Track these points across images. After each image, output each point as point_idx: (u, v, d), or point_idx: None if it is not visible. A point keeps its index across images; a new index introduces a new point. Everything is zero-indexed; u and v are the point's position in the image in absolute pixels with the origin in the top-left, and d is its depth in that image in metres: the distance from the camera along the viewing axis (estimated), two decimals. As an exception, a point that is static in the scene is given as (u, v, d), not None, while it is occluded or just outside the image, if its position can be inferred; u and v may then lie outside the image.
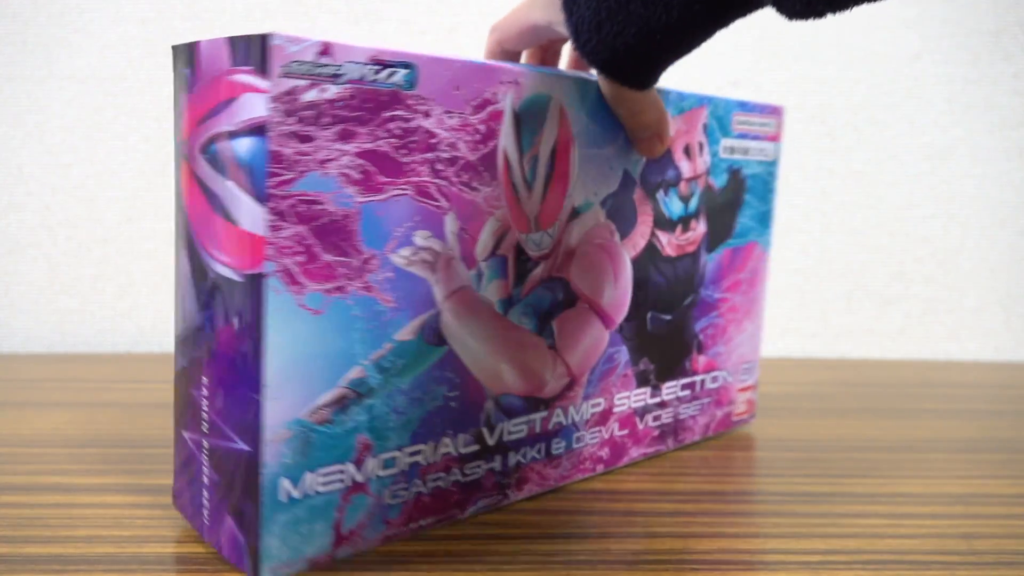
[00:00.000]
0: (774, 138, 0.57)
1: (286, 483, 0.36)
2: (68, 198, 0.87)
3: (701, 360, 0.55)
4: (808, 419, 0.64)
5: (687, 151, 0.51)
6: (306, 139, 0.34)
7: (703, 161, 0.52)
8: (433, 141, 0.38)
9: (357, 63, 0.35)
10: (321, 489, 0.38)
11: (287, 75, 0.33)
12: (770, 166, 0.57)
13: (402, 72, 0.36)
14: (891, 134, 0.86)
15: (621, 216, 0.48)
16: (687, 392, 0.55)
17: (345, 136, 0.35)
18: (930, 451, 0.57)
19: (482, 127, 0.40)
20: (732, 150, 0.54)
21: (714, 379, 0.57)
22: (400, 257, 0.38)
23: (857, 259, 0.88)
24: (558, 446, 0.48)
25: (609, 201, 0.47)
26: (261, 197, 0.34)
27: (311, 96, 0.34)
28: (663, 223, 0.51)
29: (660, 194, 0.50)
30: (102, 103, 0.86)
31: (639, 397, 0.52)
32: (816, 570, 0.40)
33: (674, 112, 0.50)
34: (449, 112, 0.38)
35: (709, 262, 0.54)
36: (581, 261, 0.47)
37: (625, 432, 0.52)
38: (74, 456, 0.54)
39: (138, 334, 0.89)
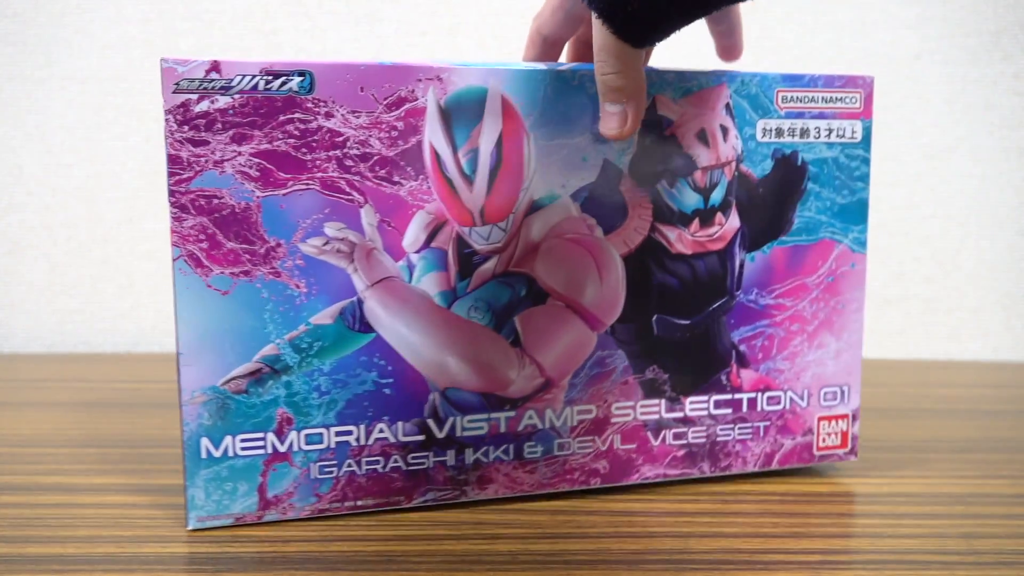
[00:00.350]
0: (858, 115, 0.49)
1: (206, 442, 0.42)
2: (68, 198, 0.87)
3: (745, 375, 0.49)
4: (808, 419, 0.64)
5: (703, 136, 0.46)
6: (201, 143, 0.40)
7: (730, 147, 0.47)
8: (339, 139, 0.42)
9: (248, 75, 0.40)
10: (242, 453, 0.43)
11: (178, 91, 0.40)
12: (853, 148, 0.49)
13: (296, 79, 0.41)
14: (891, 134, 0.86)
15: (603, 209, 0.46)
16: (726, 411, 0.49)
17: (239, 139, 0.41)
18: (930, 451, 0.57)
19: (399, 124, 0.42)
20: (779, 132, 0.48)
21: (772, 400, 0.50)
22: (310, 246, 0.42)
23: (857, 259, 0.88)
24: (532, 450, 0.47)
25: (584, 193, 0.45)
26: (168, 193, 0.41)
27: (203, 107, 0.40)
28: (670, 217, 0.47)
29: (663, 185, 0.46)
30: (102, 103, 0.86)
31: (649, 409, 0.48)
32: (816, 570, 0.40)
33: (676, 95, 0.46)
34: (355, 112, 0.42)
35: (750, 262, 0.48)
36: (549, 256, 0.45)
37: (631, 447, 0.48)
38: (74, 456, 0.54)
39: (138, 334, 0.89)
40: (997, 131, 0.86)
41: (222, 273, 0.41)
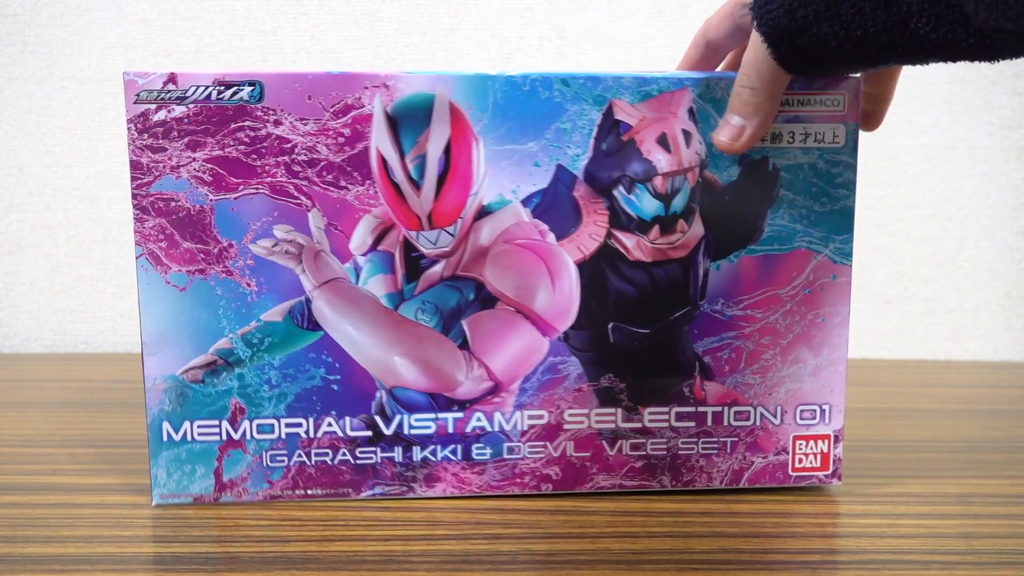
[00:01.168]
0: (842, 118, 0.46)
1: (167, 426, 0.46)
2: (69, 198, 0.87)
3: (710, 388, 0.48)
4: (808, 419, 0.64)
5: (663, 141, 0.45)
6: (159, 150, 0.44)
7: (693, 152, 0.45)
8: (287, 146, 0.44)
9: (202, 86, 0.43)
10: (199, 438, 0.46)
11: (138, 101, 0.43)
12: (835, 153, 0.46)
13: (247, 89, 0.43)
14: (891, 134, 0.86)
15: (556, 215, 0.45)
16: (689, 424, 0.48)
17: (193, 146, 0.44)
18: (930, 451, 0.57)
19: (346, 130, 0.44)
20: None
21: (740, 415, 0.48)
22: (260, 247, 0.45)
23: (856, 259, 0.88)
24: (481, 452, 0.47)
25: (536, 198, 0.45)
26: (131, 196, 0.45)
27: (160, 116, 0.43)
28: (627, 223, 0.46)
29: (620, 191, 0.45)
30: (103, 103, 0.86)
31: (604, 418, 0.47)
32: (816, 570, 0.40)
33: (633, 99, 0.45)
34: (303, 119, 0.44)
35: (715, 271, 0.47)
36: (499, 261, 0.46)
37: (586, 455, 0.48)
38: (74, 456, 0.54)
39: (138, 334, 0.89)
40: (997, 131, 0.86)
41: (179, 271, 0.45)
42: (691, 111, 0.45)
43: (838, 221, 0.47)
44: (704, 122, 0.45)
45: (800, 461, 0.49)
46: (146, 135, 0.44)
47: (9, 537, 0.42)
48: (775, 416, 0.48)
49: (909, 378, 0.78)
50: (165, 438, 0.46)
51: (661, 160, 0.45)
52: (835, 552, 0.42)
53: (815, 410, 0.48)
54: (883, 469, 0.53)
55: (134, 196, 0.44)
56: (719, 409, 0.48)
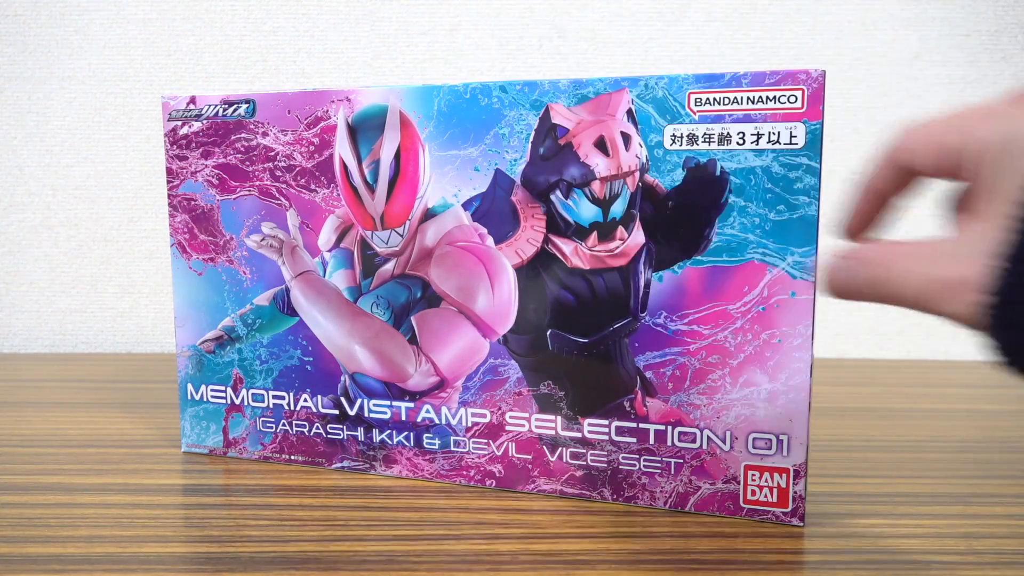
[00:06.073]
0: (799, 116, 0.41)
1: (190, 387, 0.55)
2: (69, 198, 0.87)
3: (652, 405, 0.45)
4: (808, 419, 0.64)
5: (602, 144, 0.43)
6: (183, 159, 0.52)
7: (632, 155, 0.43)
8: (272, 154, 0.50)
9: (212, 105, 0.51)
10: (211, 399, 0.54)
11: (171, 119, 0.52)
12: (793, 155, 0.41)
13: (244, 106, 0.50)
14: (891, 134, 0.86)
15: (495, 219, 0.46)
16: (630, 439, 0.46)
17: (206, 155, 0.52)
18: (930, 451, 0.57)
19: (316, 139, 0.49)
20: (692, 138, 0.42)
21: (685, 436, 0.45)
22: (251, 241, 0.52)
23: (857, 259, 0.88)
24: (431, 442, 0.50)
25: (476, 202, 0.46)
26: (167, 196, 0.54)
27: (184, 131, 0.52)
28: (565, 229, 0.45)
29: (557, 196, 0.44)
30: (103, 103, 0.86)
31: (544, 424, 0.47)
32: (816, 570, 0.40)
33: (570, 102, 0.44)
34: (284, 130, 0.50)
35: (658, 282, 0.44)
36: (442, 262, 0.47)
37: (527, 457, 0.48)
38: (74, 456, 0.54)
39: (138, 334, 0.89)
40: (997, 131, 0.86)
41: (198, 258, 0.53)
42: (630, 112, 0.43)
43: (797, 231, 0.42)
44: (644, 123, 0.43)
45: (753, 493, 0.44)
46: (175, 146, 0.52)
47: (9, 537, 0.42)
48: (724, 441, 0.44)
49: (909, 378, 0.78)
50: (189, 396, 0.54)
51: (599, 164, 0.44)
52: (835, 552, 0.42)
53: (770, 440, 0.44)
54: (883, 469, 0.53)
55: (169, 196, 0.53)
56: (662, 428, 0.45)
